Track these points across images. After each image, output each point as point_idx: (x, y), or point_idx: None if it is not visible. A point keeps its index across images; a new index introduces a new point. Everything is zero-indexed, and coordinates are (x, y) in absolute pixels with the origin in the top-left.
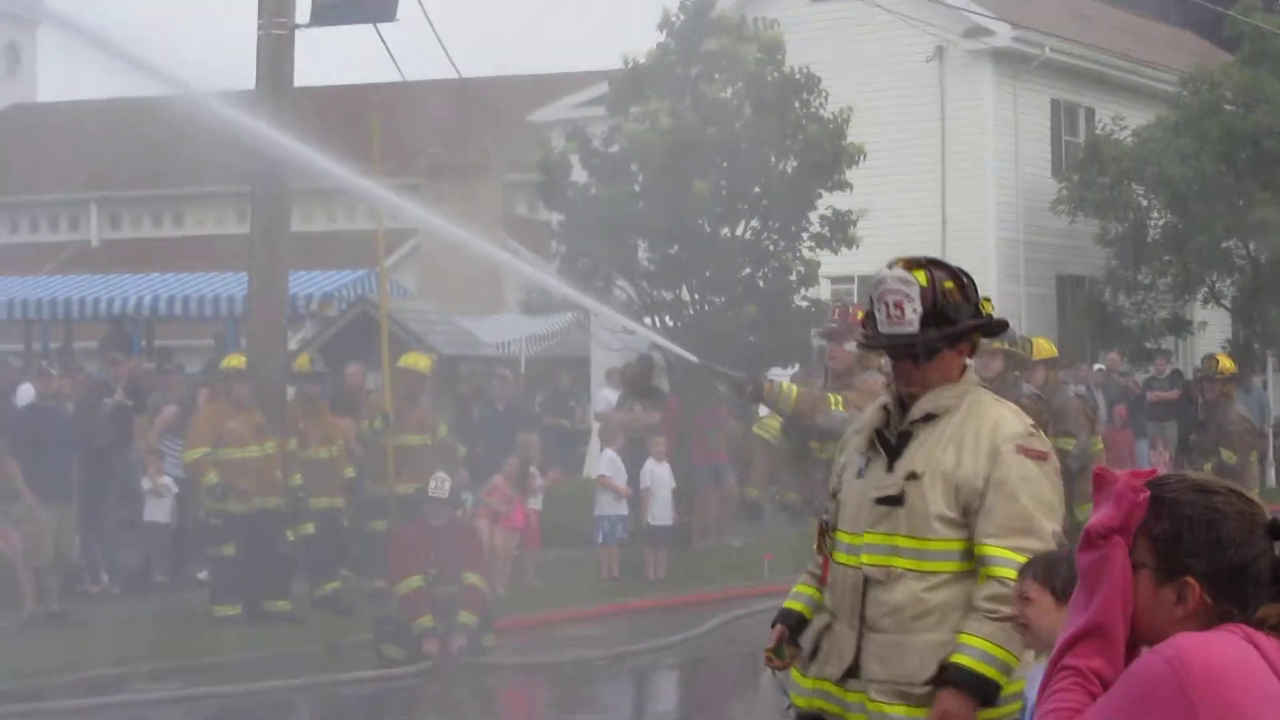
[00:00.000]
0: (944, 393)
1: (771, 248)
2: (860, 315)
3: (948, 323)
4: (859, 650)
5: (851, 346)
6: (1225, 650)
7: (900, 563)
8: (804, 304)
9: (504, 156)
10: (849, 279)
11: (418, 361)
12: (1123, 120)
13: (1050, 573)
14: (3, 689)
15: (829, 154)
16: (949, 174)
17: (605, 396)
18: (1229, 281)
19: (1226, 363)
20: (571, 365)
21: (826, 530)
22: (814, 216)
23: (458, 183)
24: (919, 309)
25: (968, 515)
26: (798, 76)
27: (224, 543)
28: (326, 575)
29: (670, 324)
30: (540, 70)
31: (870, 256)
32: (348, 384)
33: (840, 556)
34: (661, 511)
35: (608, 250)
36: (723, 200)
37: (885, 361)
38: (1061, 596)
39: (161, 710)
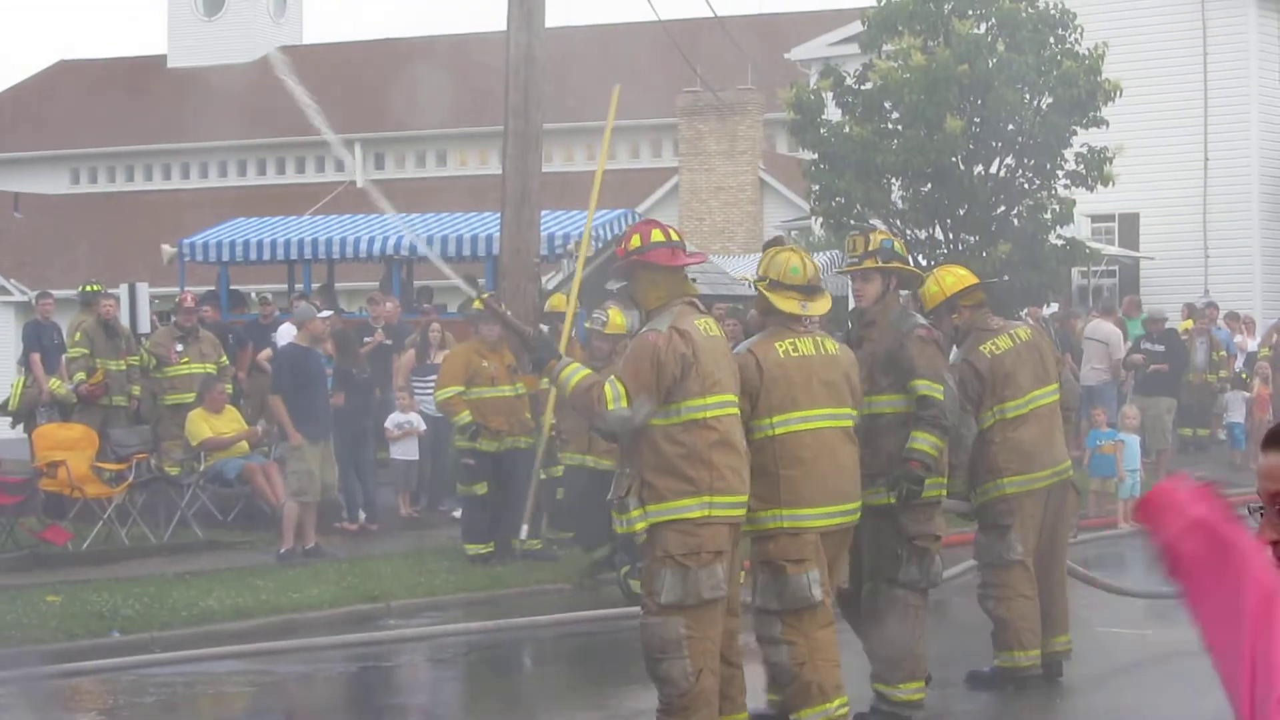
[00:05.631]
0: None
1: (1026, 185)
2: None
3: None
4: None
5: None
6: None
7: None
8: (1059, 242)
9: (763, 95)
10: (1108, 217)
11: None
12: None
13: None
14: (260, 625)
15: (1084, 90)
16: (1211, 110)
17: None
18: None
19: None
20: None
21: None
22: (1069, 154)
23: (716, 121)
24: None
25: None
26: (1052, 12)
27: (476, 481)
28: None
29: (925, 263)
30: (797, 8)
31: (1128, 195)
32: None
33: None
34: None
35: (861, 188)
36: (976, 138)
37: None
38: None
39: (413, 647)
